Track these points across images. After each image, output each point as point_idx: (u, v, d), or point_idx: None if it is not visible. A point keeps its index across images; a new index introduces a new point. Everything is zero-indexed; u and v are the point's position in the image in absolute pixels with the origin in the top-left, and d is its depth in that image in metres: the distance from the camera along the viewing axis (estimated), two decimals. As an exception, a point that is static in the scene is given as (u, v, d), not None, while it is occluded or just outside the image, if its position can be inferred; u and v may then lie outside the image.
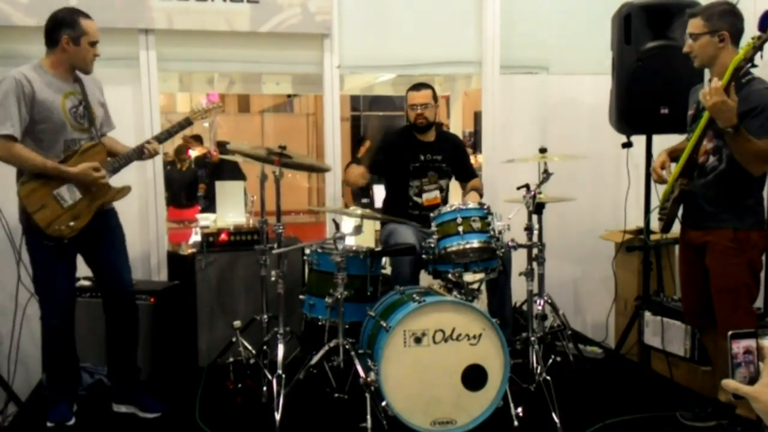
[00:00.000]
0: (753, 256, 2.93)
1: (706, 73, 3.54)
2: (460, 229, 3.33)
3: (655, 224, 3.82)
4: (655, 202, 3.74)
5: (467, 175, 4.19)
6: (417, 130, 4.00)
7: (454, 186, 4.28)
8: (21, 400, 3.56)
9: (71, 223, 3.02)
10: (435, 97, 4.00)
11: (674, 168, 3.07)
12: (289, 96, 13.18)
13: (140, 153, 3.20)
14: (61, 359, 3.20)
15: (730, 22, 2.84)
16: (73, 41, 3.00)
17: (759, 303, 3.73)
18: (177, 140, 8.93)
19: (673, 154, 3.17)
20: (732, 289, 2.93)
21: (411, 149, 4.00)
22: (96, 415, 3.31)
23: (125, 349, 3.34)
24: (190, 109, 3.42)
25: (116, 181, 3.21)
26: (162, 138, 3.27)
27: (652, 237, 3.87)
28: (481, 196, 3.97)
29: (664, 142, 3.74)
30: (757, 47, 2.64)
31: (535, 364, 3.29)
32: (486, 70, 4.63)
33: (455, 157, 4.10)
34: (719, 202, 2.94)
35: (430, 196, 3.97)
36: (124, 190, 3.23)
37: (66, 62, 3.05)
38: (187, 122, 3.34)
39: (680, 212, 3.10)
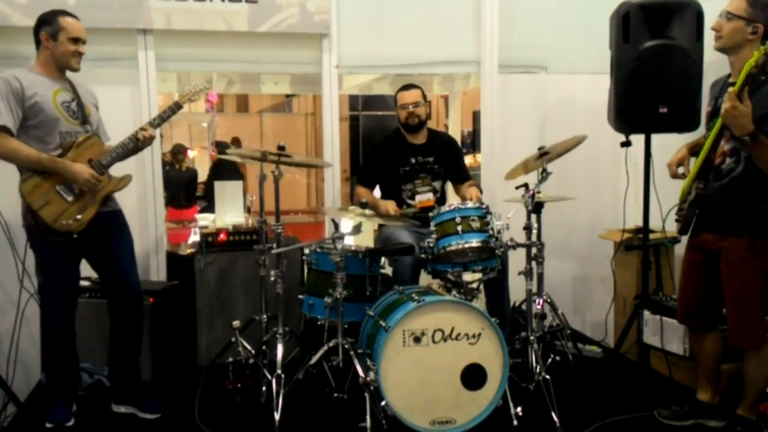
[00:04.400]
0: None
1: (705, 71, 3.56)
2: (459, 228, 3.33)
3: (653, 224, 3.84)
4: (654, 202, 3.75)
5: (460, 176, 4.16)
6: (408, 130, 4.00)
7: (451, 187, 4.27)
8: (20, 400, 3.55)
9: (78, 216, 3.03)
10: (424, 97, 4.02)
11: (692, 166, 2.98)
12: (287, 96, 13.19)
13: (135, 140, 3.20)
14: (61, 361, 3.19)
15: None
16: (51, 37, 3.06)
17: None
18: (175, 140, 8.94)
19: (694, 149, 3.07)
20: (744, 297, 2.86)
21: (401, 153, 4.00)
22: (95, 416, 3.30)
23: (129, 350, 3.34)
24: (179, 94, 3.43)
25: (114, 173, 3.21)
26: (155, 123, 3.28)
27: (652, 236, 3.87)
28: (481, 192, 3.97)
29: (663, 141, 3.74)
30: None
31: (534, 364, 3.29)
32: (484, 69, 4.63)
33: (448, 158, 4.09)
34: (735, 206, 2.84)
35: (423, 198, 3.96)
36: (126, 179, 3.25)
37: (51, 60, 3.09)
38: (177, 106, 3.35)
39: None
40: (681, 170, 3.06)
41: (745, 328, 2.88)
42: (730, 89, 2.61)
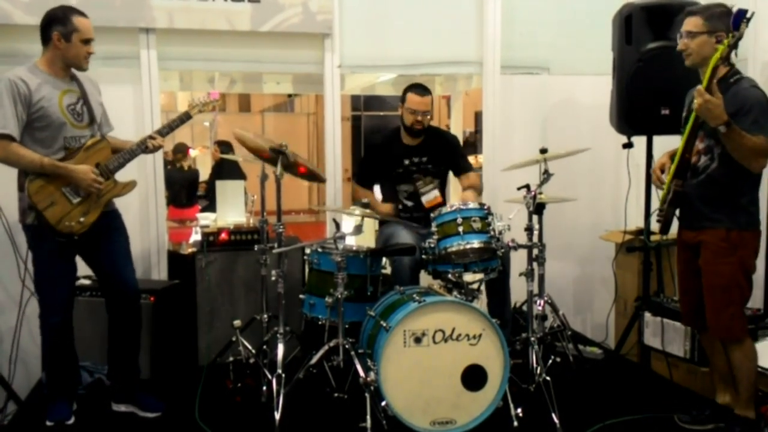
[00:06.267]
0: (745, 257, 2.92)
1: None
2: (461, 229, 3.33)
3: (655, 225, 3.84)
4: (655, 203, 3.74)
5: (458, 169, 4.06)
6: (410, 133, 3.96)
7: (455, 185, 4.26)
8: (21, 399, 3.56)
9: (81, 219, 3.03)
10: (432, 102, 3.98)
11: (670, 168, 3.07)
12: (289, 95, 13.18)
13: (144, 148, 3.20)
14: (60, 358, 3.20)
15: (727, 23, 2.83)
16: (64, 38, 3.00)
17: (759, 304, 3.74)
18: (176, 139, 8.94)
19: (673, 155, 3.14)
20: (722, 288, 2.92)
21: (395, 154, 3.96)
22: (95, 415, 3.31)
23: (127, 348, 3.34)
24: (189, 104, 3.42)
25: (118, 177, 3.20)
26: (164, 132, 3.26)
27: (653, 237, 3.87)
28: (479, 193, 3.94)
29: (664, 142, 3.74)
30: (732, 46, 2.69)
31: (534, 365, 3.29)
32: (487, 70, 4.63)
33: (443, 156, 4.02)
34: (713, 201, 2.94)
35: (430, 197, 3.88)
36: (131, 185, 3.25)
37: (59, 60, 3.05)
38: (186, 116, 3.33)
39: (677, 212, 3.08)
40: (664, 176, 3.14)
41: (725, 320, 2.93)
42: (699, 86, 2.76)
